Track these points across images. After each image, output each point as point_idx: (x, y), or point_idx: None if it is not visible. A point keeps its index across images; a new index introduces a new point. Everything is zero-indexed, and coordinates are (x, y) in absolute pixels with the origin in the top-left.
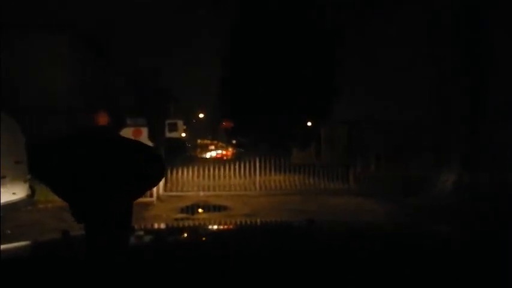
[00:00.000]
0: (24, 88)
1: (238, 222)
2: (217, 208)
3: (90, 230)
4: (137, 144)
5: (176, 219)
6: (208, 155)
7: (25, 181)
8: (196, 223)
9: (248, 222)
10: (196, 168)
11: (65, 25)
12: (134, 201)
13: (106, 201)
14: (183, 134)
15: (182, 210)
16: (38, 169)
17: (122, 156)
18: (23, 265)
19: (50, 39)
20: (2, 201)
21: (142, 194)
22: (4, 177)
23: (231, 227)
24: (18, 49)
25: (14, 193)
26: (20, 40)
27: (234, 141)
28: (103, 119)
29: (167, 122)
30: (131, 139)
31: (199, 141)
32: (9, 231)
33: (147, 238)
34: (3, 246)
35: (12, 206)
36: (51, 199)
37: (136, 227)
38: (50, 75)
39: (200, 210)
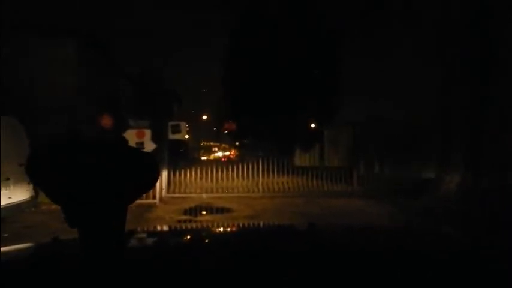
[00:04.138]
0: (30, 90)
1: (241, 225)
2: (220, 210)
3: (83, 235)
4: (131, 149)
5: (179, 221)
6: (211, 156)
7: (29, 183)
8: (199, 225)
9: (250, 224)
10: (199, 170)
11: (70, 27)
12: (132, 204)
13: (98, 206)
14: (186, 136)
15: (185, 212)
16: (33, 172)
17: (115, 161)
18: (20, 268)
19: (55, 41)
20: (5, 202)
21: (136, 198)
22: (8, 179)
23: (233, 229)
24: (24, 51)
25: (9, 197)
26: (26, 42)
27: (237, 143)
28: (106, 122)
29: (170, 123)
30: (125, 143)
31: (202, 143)
32: (6, 235)
33: (150, 240)
34: (2, 249)
35: (15, 208)
36: None
37: (139, 228)
38: (55, 77)
39: (203, 212)
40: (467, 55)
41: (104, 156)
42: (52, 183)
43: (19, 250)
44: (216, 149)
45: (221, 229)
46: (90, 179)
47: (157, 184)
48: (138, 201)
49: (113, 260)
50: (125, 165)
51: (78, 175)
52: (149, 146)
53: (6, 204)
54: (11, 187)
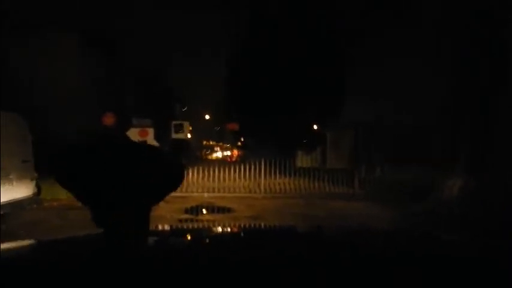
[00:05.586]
0: (32, 87)
1: (244, 226)
2: (221, 210)
3: (109, 234)
4: (157, 151)
5: (180, 220)
6: (213, 156)
7: (32, 179)
8: (200, 225)
9: (254, 225)
10: (201, 169)
11: (74, 24)
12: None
13: (126, 207)
14: (189, 135)
15: (186, 211)
16: (61, 176)
17: (143, 163)
18: (21, 265)
19: (59, 38)
20: (8, 199)
21: (161, 199)
22: (11, 175)
23: (235, 230)
24: (27, 48)
25: (12, 194)
26: (29, 39)
27: (239, 143)
28: (109, 120)
29: (173, 122)
30: (151, 145)
31: (204, 142)
32: (4, 226)
33: (150, 239)
34: (3, 246)
35: (18, 204)
36: (56, 198)
37: None
38: (58, 74)
39: (204, 211)
40: (474, 58)
41: (132, 158)
42: (80, 186)
43: (18, 248)
44: (218, 149)
45: (223, 229)
46: (118, 180)
47: None
48: None
49: (134, 256)
50: (151, 167)
51: (105, 177)
52: None
53: (8, 201)
54: (14, 183)
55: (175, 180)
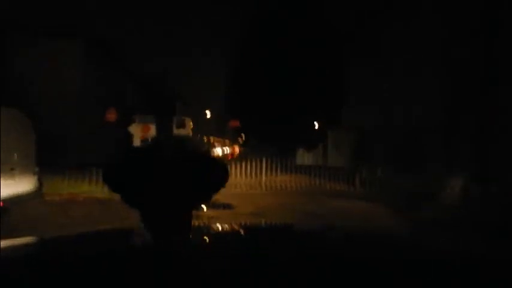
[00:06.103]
0: (36, 89)
1: (248, 223)
2: (222, 206)
3: (156, 234)
4: (201, 154)
5: None
6: (214, 153)
7: (34, 174)
8: (201, 222)
9: (259, 223)
10: None
11: (76, 28)
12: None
13: (175, 209)
14: (190, 132)
15: None
16: (113, 183)
17: (189, 166)
18: (22, 263)
19: (61, 41)
20: (10, 193)
21: (208, 200)
22: (13, 169)
23: (236, 228)
24: (30, 51)
25: (14, 188)
26: (32, 43)
27: (240, 141)
28: (112, 115)
29: (175, 118)
30: (195, 150)
31: (205, 139)
32: (5, 221)
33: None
34: (3, 242)
35: (20, 199)
36: (58, 192)
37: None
38: (60, 77)
39: (205, 207)
40: (475, 61)
41: (180, 164)
42: (131, 191)
43: (20, 245)
44: (219, 145)
45: (224, 227)
46: (168, 185)
47: None
48: None
49: (181, 255)
50: (198, 169)
51: (154, 182)
52: None
53: (10, 195)
54: (16, 178)
55: (220, 182)
